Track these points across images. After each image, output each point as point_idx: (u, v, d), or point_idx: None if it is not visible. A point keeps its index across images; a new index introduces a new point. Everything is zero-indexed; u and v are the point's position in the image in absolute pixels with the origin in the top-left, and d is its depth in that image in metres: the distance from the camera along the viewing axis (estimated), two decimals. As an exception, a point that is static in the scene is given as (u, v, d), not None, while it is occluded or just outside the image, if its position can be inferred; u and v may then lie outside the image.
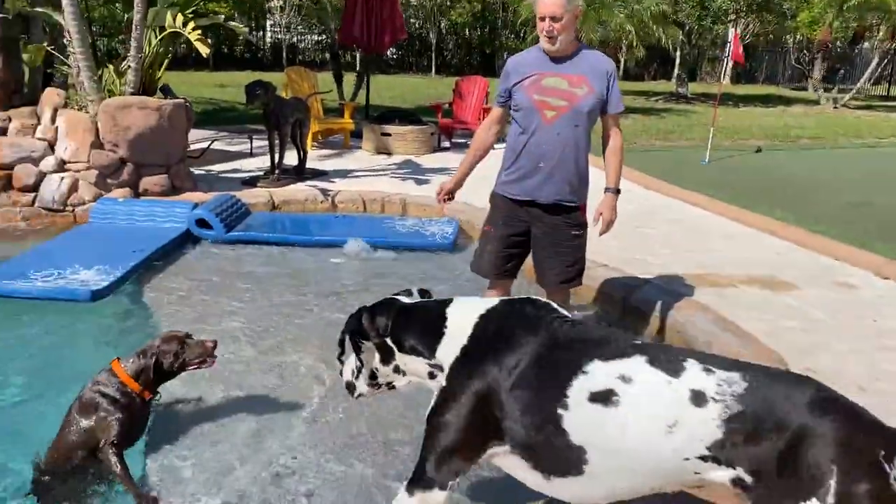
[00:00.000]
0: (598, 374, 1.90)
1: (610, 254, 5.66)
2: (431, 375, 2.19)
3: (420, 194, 7.89)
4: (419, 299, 2.39)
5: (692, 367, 1.86)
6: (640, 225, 6.95)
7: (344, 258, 5.91)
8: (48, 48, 7.38)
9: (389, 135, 10.68)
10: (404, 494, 2.06)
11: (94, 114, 6.72)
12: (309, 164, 8.85)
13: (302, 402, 3.57)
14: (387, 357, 2.24)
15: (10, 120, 6.81)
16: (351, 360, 2.35)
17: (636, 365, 1.89)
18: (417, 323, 2.20)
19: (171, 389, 3.36)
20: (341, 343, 2.27)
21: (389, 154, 10.61)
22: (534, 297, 2.20)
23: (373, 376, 2.29)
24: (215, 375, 3.67)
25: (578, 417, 1.88)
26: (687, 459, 1.81)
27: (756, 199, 8.15)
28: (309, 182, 8.23)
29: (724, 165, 10.92)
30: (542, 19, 3.43)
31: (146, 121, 6.77)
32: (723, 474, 1.80)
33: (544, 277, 3.90)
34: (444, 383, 2.09)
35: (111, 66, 7.26)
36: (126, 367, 2.92)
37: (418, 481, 2.04)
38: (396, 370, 2.26)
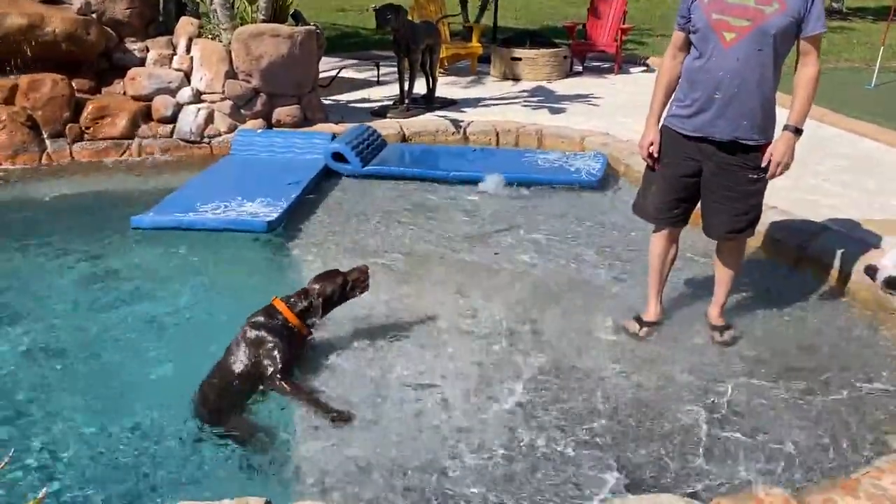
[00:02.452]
0: None
1: (776, 194, 5.09)
2: None
3: (556, 124, 7.43)
4: None
5: None
6: (803, 159, 6.24)
7: (481, 195, 5.62)
8: (181, -24, 7.31)
9: (519, 59, 10.15)
10: None
11: (227, 43, 6.61)
12: (437, 93, 8.52)
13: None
14: None
15: (147, 50, 6.81)
16: None
17: None
18: None
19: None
20: None
21: (518, 80, 10.11)
22: None
23: None
24: (362, 317, 3.60)
25: None
26: None
27: (939, 130, 7.19)
28: (439, 112, 7.92)
29: (894, 90, 9.75)
30: None
31: (278, 49, 6.60)
32: None
33: (709, 227, 3.47)
34: None
35: (243, -7, 7.11)
36: (290, 305, 3.10)
37: None
38: None
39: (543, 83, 9.86)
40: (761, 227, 4.46)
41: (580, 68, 10.96)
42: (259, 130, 6.56)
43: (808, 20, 3.04)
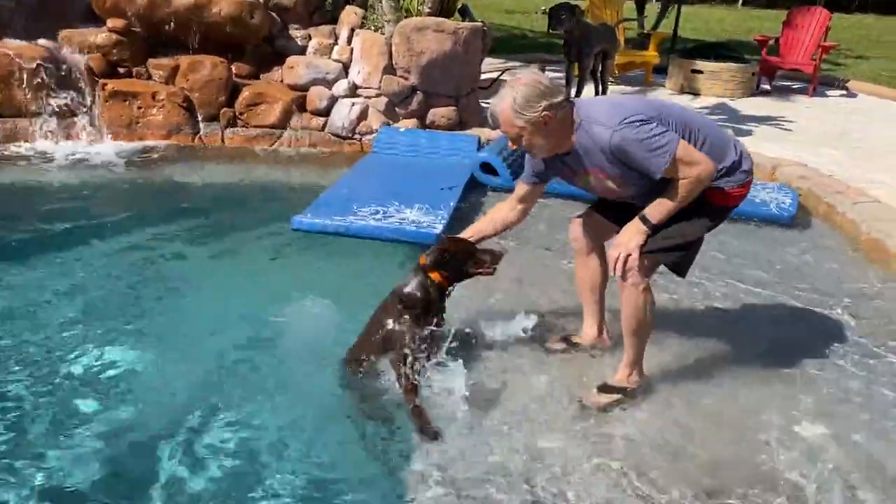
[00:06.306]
0: None
1: None
2: None
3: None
4: None
5: None
6: None
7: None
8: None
9: (701, 72, 9.25)
10: None
11: (388, 35, 6.27)
12: (606, 103, 7.81)
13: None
14: None
15: (309, 38, 6.61)
16: None
17: None
18: None
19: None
20: None
21: (696, 94, 9.21)
22: None
23: None
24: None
25: None
26: None
27: None
28: (606, 123, 7.22)
29: None
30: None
31: (441, 46, 6.17)
32: None
33: None
34: None
35: (411, -17, 6.75)
36: (428, 260, 2.95)
37: None
38: None
39: (726, 100, 8.89)
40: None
41: (768, 87, 9.87)
42: (402, 129, 6.19)
43: (644, 169, 2.57)
